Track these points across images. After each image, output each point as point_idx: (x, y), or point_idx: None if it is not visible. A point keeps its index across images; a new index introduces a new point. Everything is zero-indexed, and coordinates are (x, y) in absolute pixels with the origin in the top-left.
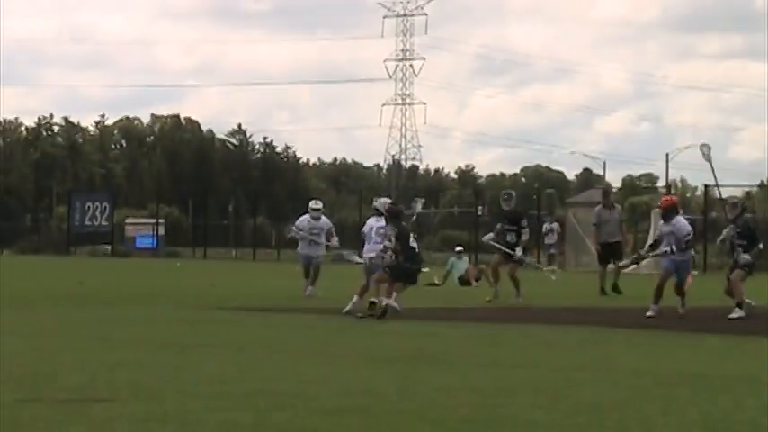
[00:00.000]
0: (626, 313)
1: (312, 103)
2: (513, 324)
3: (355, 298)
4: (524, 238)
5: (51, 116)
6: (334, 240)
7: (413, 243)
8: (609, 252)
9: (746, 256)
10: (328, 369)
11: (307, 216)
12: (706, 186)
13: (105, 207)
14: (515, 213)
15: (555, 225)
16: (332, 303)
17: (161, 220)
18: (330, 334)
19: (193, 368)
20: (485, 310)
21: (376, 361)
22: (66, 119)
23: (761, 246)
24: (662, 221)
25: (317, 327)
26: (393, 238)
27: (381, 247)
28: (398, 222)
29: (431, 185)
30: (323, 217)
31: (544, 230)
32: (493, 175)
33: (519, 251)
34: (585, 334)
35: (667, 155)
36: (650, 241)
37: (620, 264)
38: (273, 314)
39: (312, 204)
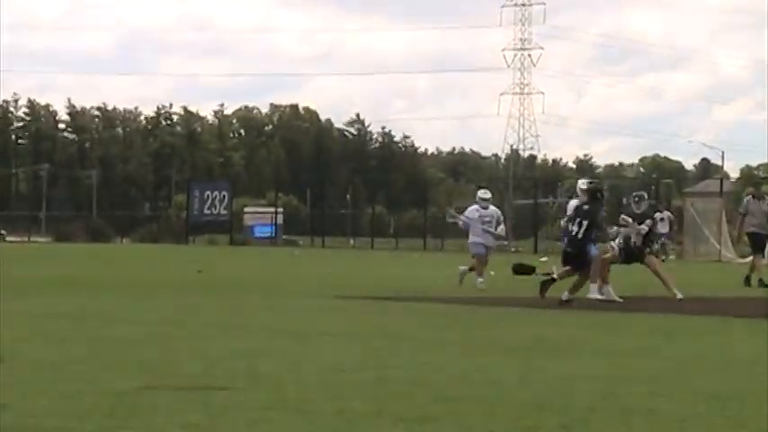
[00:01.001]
0: (745, 303)
1: (430, 92)
2: (631, 313)
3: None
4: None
5: (170, 105)
6: (501, 229)
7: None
8: (759, 242)
9: None
10: (448, 357)
11: (475, 206)
12: None
13: (224, 196)
14: (644, 217)
15: (666, 214)
16: (450, 292)
17: (279, 209)
18: (449, 322)
19: (313, 356)
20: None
21: (496, 349)
22: (184, 108)
23: None
24: None
25: (435, 315)
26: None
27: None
28: (598, 203)
29: (549, 175)
30: (491, 206)
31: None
32: (611, 165)
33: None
34: (703, 323)
35: None
36: None
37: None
38: (392, 303)
39: (480, 194)
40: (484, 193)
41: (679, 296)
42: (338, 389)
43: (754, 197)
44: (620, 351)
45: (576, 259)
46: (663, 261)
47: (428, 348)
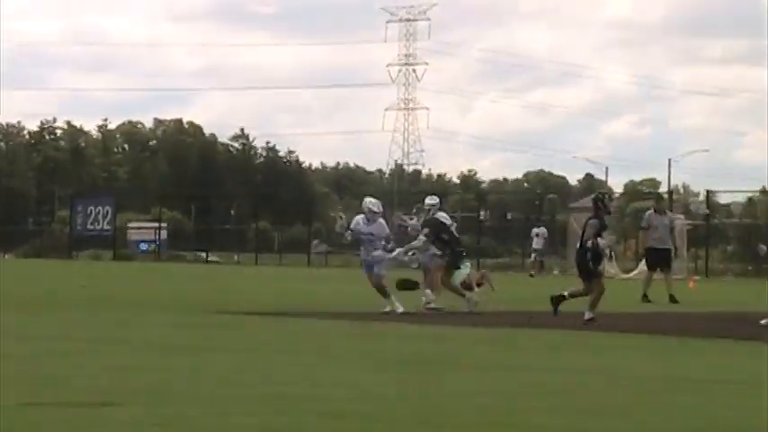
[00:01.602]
0: (630, 318)
1: (316, 107)
2: (520, 328)
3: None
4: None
5: (54, 120)
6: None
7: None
8: (657, 258)
9: None
10: (338, 373)
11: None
12: (708, 192)
13: (108, 210)
14: (426, 226)
15: (541, 230)
16: (341, 307)
17: (164, 224)
18: (339, 338)
19: (198, 372)
20: (490, 315)
21: (386, 364)
22: (68, 122)
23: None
24: None
25: (321, 330)
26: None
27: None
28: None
29: (433, 190)
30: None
31: (531, 235)
32: (496, 180)
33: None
34: (592, 339)
35: (670, 160)
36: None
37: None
38: (276, 318)
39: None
40: (430, 199)
41: (431, 304)
42: (223, 404)
43: (656, 211)
44: (510, 366)
45: (579, 271)
46: (532, 276)
47: (313, 363)
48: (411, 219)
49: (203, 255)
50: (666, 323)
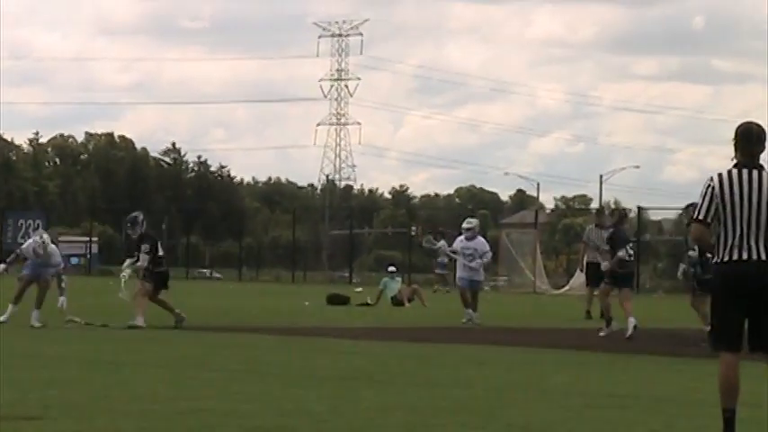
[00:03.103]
0: (558, 334)
1: (248, 121)
2: (447, 344)
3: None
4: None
5: None
6: (477, 263)
7: None
8: (597, 274)
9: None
10: (261, 388)
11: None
12: (639, 208)
13: (38, 225)
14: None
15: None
16: (266, 322)
17: (94, 238)
18: (263, 352)
19: (125, 386)
20: (419, 330)
21: (310, 380)
22: None
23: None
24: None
25: (250, 345)
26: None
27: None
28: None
29: (365, 205)
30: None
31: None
32: (427, 196)
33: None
34: (518, 354)
35: (601, 176)
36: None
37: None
38: (205, 333)
39: (464, 224)
40: (467, 223)
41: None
42: (150, 419)
43: (596, 226)
44: (436, 382)
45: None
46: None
47: (242, 379)
48: (437, 241)
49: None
50: (595, 339)
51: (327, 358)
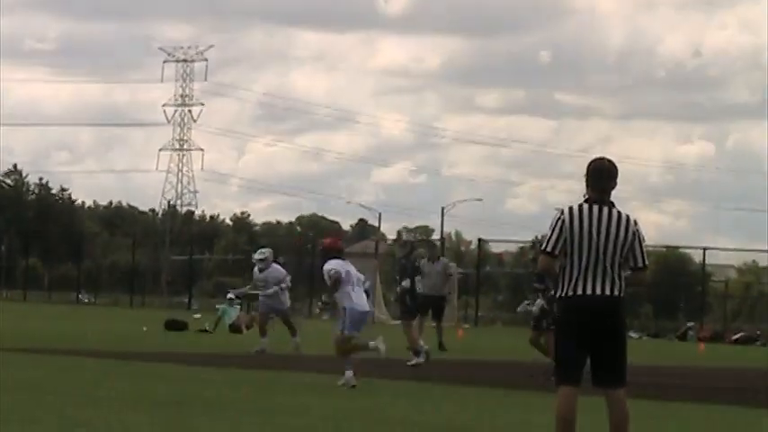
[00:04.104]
0: (396, 364)
1: (91, 144)
2: (285, 371)
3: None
4: None
5: None
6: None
7: None
8: (429, 305)
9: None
10: (94, 412)
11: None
12: (480, 240)
13: None
14: None
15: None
16: (103, 346)
17: None
18: (99, 376)
19: None
20: (256, 358)
21: (145, 405)
22: None
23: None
24: None
25: (86, 369)
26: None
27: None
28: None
29: (206, 231)
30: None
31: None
32: (269, 223)
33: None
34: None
35: (443, 208)
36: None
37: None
38: (41, 356)
39: (256, 255)
40: (259, 254)
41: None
42: None
43: (429, 259)
44: (273, 409)
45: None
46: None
47: (76, 402)
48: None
49: None
50: (434, 370)
51: (163, 384)
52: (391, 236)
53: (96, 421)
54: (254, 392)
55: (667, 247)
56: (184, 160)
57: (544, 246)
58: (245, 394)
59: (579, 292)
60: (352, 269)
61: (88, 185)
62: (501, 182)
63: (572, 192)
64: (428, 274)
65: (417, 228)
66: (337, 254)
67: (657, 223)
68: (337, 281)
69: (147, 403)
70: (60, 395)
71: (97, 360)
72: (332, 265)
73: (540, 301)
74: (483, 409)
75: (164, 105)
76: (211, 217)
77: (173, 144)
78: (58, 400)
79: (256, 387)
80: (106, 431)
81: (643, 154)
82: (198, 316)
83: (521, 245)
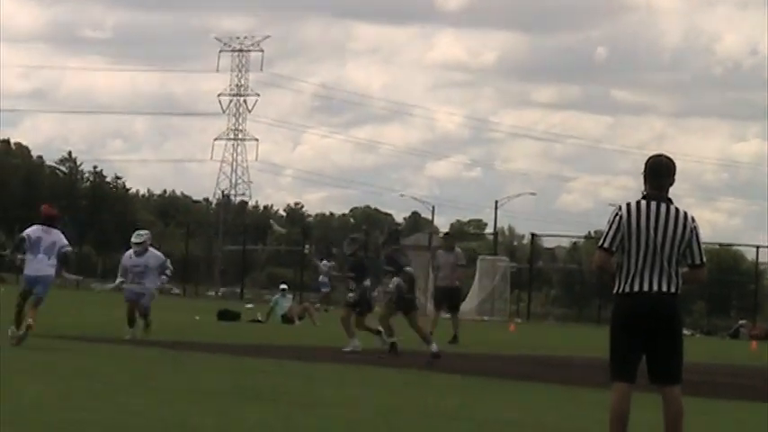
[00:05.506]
0: (444, 358)
1: (146, 133)
2: (336, 364)
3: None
4: None
5: None
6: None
7: None
8: (444, 298)
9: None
10: (147, 401)
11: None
12: (533, 235)
13: None
14: None
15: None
16: (155, 335)
17: None
18: (152, 366)
19: (12, 396)
20: (306, 349)
21: (196, 395)
22: None
23: (367, 283)
24: None
25: (135, 359)
26: None
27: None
28: None
29: (259, 222)
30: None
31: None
32: (322, 215)
33: None
34: (405, 376)
35: (496, 202)
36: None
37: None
38: (97, 344)
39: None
40: (137, 237)
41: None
42: (33, 428)
43: (445, 250)
44: (323, 401)
45: None
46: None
47: (127, 392)
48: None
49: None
50: (485, 364)
51: (215, 374)
52: (444, 229)
53: (149, 411)
54: (303, 384)
55: (721, 244)
56: (239, 150)
57: (601, 242)
58: (295, 386)
59: (636, 288)
60: (50, 238)
61: (143, 174)
62: (555, 177)
63: (626, 188)
64: (443, 266)
65: (471, 221)
66: (47, 220)
67: (711, 221)
68: (22, 241)
69: (199, 394)
70: (114, 384)
71: (147, 349)
72: (27, 230)
73: (396, 280)
74: (530, 405)
75: (219, 95)
76: (265, 207)
77: (227, 134)
78: (111, 389)
79: (306, 379)
80: (159, 421)
81: (698, 152)
82: (250, 306)
83: (574, 240)
